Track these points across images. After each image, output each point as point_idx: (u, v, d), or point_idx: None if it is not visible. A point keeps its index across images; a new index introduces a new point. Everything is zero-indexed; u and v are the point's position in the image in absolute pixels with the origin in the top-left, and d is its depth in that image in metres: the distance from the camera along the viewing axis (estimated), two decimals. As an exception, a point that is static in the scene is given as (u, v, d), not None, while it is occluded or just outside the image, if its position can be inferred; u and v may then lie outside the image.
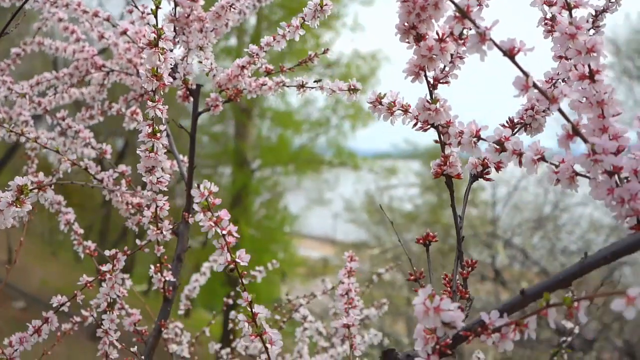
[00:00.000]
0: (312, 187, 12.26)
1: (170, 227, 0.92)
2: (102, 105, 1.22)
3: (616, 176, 0.53)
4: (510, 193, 6.66)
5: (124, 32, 1.05)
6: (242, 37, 9.37)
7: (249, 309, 0.65)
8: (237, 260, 0.63)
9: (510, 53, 0.51)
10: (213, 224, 0.62)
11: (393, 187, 9.68)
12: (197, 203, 0.61)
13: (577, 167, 0.55)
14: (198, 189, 0.61)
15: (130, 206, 1.03)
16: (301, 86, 0.95)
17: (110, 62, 1.28)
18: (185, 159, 1.11)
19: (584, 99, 0.55)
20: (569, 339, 1.06)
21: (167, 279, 0.98)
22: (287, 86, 0.97)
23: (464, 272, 0.63)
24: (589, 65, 0.54)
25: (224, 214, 0.63)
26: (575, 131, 0.52)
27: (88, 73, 1.20)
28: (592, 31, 0.71)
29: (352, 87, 0.85)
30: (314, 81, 0.94)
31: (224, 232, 0.62)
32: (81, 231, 1.11)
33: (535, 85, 0.51)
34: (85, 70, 1.19)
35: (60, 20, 1.20)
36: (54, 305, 0.92)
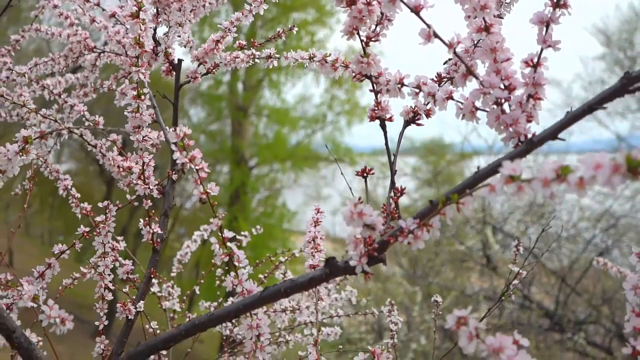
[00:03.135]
0: (309, 184, 12.39)
1: (157, 182, 1.04)
2: (94, 83, 1.34)
3: (506, 107, 0.66)
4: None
5: (113, 15, 1.18)
6: (237, 35, 9.50)
7: (219, 234, 0.78)
8: (209, 190, 0.76)
9: (416, 9, 0.64)
10: (188, 161, 0.75)
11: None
12: (173, 143, 0.74)
13: (478, 104, 0.68)
14: (174, 131, 0.74)
15: (121, 169, 1.15)
16: (269, 57, 1.08)
17: (105, 47, 1.40)
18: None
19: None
20: (515, 282, 1.18)
21: (155, 231, 1.10)
22: (258, 58, 1.10)
23: (395, 197, 0.75)
24: (484, 20, 0.66)
25: (197, 153, 0.75)
26: (469, 71, 0.64)
27: (81, 54, 1.33)
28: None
29: (312, 55, 0.98)
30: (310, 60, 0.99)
31: (198, 167, 0.75)
32: (78, 195, 1.23)
33: (435, 35, 0.63)
34: (78, 52, 1.32)
35: (55, 6, 1.33)
36: (55, 252, 1.05)
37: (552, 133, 0.60)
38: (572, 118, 0.59)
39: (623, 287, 0.64)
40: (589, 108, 0.58)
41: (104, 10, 1.22)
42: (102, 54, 1.34)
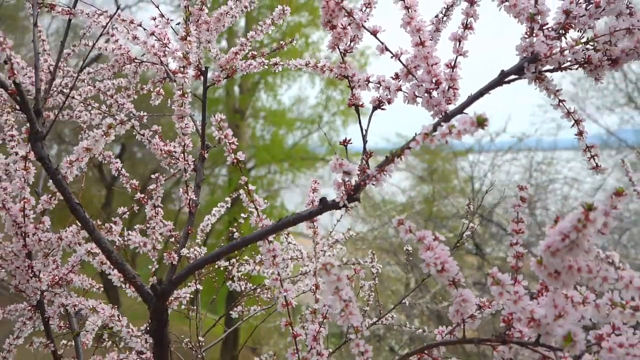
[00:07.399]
0: (307, 184, 12.70)
1: (193, 159, 1.39)
2: (135, 87, 1.70)
3: (435, 94, 1.01)
4: (488, 170, 7.17)
5: (152, 33, 1.53)
6: (232, 39, 9.87)
7: (246, 187, 1.13)
8: (238, 157, 1.11)
9: (374, 33, 0.99)
10: (223, 137, 1.10)
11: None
12: (213, 125, 1.09)
13: (417, 93, 1.04)
14: (214, 117, 1.09)
15: (162, 151, 1.50)
16: (275, 64, 1.43)
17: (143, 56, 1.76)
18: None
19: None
20: (468, 232, 1.53)
21: (191, 197, 1.45)
22: (267, 65, 1.46)
23: (366, 157, 1.11)
24: (419, 37, 1.02)
25: (229, 131, 1.11)
26: (408, 72, 1.00)
27: (125, 64, 1.68)
28: (445, 18, 1.19)
29: (308, 63, 1.33)
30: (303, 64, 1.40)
31: (230, 141, 1.10)
32: (127, 174, 1.58)
33: (386, 49, 0.99)
34: (122, 62, 1.67)
35: (103, 27, 1.68)
36: (120, 213, 1.39)
37: (459, 110, 0.95)
38: (471, 99, 0.94)
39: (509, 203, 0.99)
40: (480, 93, 0.94)
41: (145, 29, 1.57)
42: (141, 64, 1.69)
